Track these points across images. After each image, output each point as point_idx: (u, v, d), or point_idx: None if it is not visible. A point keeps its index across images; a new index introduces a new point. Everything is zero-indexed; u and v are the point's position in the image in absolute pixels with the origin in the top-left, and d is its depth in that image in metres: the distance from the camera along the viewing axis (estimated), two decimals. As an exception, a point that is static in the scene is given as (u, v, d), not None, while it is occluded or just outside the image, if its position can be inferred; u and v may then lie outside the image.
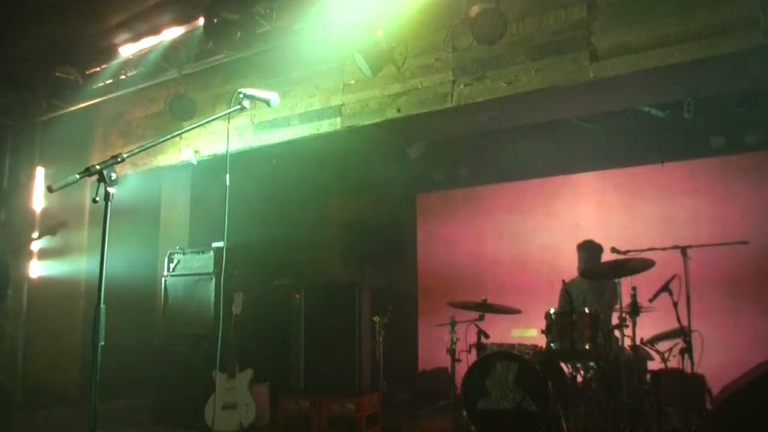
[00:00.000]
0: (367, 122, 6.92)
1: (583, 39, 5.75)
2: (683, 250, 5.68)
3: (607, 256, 6.42)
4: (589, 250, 6.45)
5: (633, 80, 5.81)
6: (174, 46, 7.01)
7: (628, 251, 5.99)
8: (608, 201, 7.45)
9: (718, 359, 6.03)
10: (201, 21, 6.45)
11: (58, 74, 7.38)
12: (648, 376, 5.86)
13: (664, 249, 5.87)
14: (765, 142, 6.72)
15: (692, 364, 5.39)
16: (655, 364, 5.93)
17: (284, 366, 6.85)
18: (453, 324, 6.33)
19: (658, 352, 5.86)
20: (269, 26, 6.33)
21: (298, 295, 6.98)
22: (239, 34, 6.28)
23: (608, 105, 6.70)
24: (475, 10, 5.61)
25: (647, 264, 5.75)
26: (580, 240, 6.73)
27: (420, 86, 6.61)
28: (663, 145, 6.98)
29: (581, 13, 5.76)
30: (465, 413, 5.81)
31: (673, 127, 6.76)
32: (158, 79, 7.37)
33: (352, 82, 6.65)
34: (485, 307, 6.20)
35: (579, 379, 5.78)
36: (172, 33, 6.85)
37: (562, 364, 5.91)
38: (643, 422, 5.40)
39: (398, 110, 6.77)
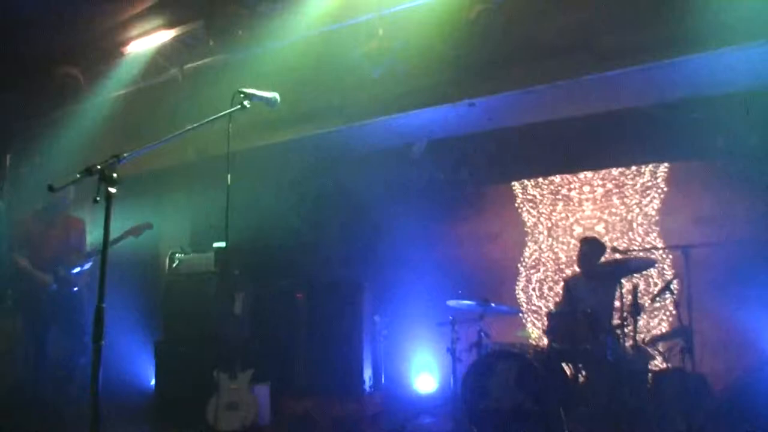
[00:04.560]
0: (369, 121, 6.94)
1: (585, 38, 5.77)
2: (684, 250, 5.68)
3: (608, 256, 6.42)
4: (590, 246, 6.43)
5: (636, 79, 5.83)
6: (176, 46, 7.00)
7: (629, 250, 5.99)
8: (611, 200, 7.43)
9: (720, 359, 6.03)
10: (203, 20, 6.46)
11: (60, 74, 7.38)
12: (649, 376, 5.85)
13: (665, 248, 5.87)
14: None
15: (693, 364, 5.39)
16: (657, 364, 5.93)
17: (286, 366, 6.85)
18: (454, 323, 6.33)
19: (659, 351, 5.86)
20: (271, 25, 6.33)
21: (299, 295, 6.98)
22: (241, 32, 6.29)
23: (611, 104, 6.71)
24: (477, 9, 5.61)
25: (648, 263, 5.75)
26: (578, 241, 6.73)
27: (422, 86, 6.62)
28: (666, 144, 6.95)
29: (584, 13, 5.77)
30: (466, 413, 5.81)
31: (677, 127, 6.74)
32: (160, 79, 7.37)
33: (354, 81, 6.64)
34: (486, 307, 6.20)
35: (580, 379, 5.77)
36: (174, 32, 6.84)
37: (564, 364, 5.90)
38: (645, 422, 5.39)
39: (400, 109, 6.78)
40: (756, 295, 6.28)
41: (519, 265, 7.79)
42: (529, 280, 7.71)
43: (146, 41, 6.97)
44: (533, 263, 7.74)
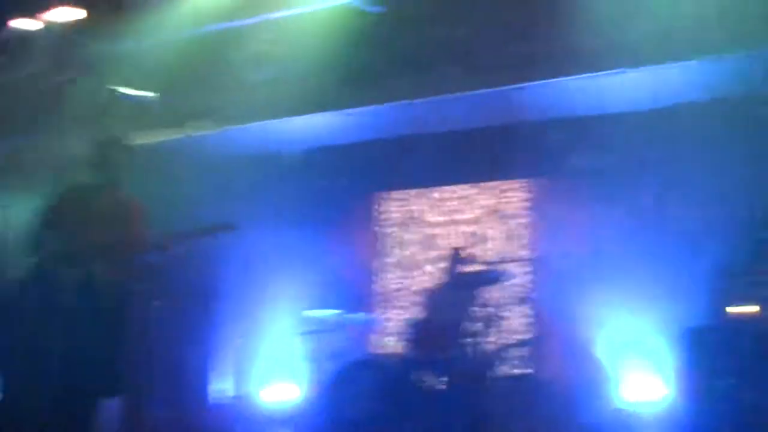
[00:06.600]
0: (246, 125, 6.89)
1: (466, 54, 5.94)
2: (542, 260, 5.96)
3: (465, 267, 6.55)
4: (451, 256, 6.55)
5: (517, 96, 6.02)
6: (50, 38, 6.67)
7: (488, 262, 6.21)
8: (480, 213, 7.42)
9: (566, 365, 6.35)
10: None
11: None
12: (502, 382, 5.97)
13: (522, 260, 6.13)
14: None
15: (545, 369, 5.66)
16: (510, 371, 6.13)
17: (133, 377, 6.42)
18: (314, 333, 6.31)
19: (513, 358, 6.06)
20: (151, 21, 6.18)
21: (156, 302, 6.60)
22: (119, 27, 6.10)
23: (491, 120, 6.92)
24: (361, 20, 5.70)
25: (505, 275, 5.96)
26: (442, 251, 6.88)
27: (303, 92, 6.53)
28: (536, 161, 7.07)
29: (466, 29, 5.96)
30: (324, 424, 5.77)
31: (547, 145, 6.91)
32: (30, 70, 6.99)
33: (236, 84, 6.57)
34: (343, 317, 6.25)
35: (438, 387, 5.71)
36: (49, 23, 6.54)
37: (421, 373, 5.79)
38: (494, 428, 5.48)
39: (278, 115, 6.70)
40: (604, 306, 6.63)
41: (383, 274, 7.81)
42: (391, 290, 7.74)
43: (20, 31, 6.63)
44: (397, 274, 7.77)
